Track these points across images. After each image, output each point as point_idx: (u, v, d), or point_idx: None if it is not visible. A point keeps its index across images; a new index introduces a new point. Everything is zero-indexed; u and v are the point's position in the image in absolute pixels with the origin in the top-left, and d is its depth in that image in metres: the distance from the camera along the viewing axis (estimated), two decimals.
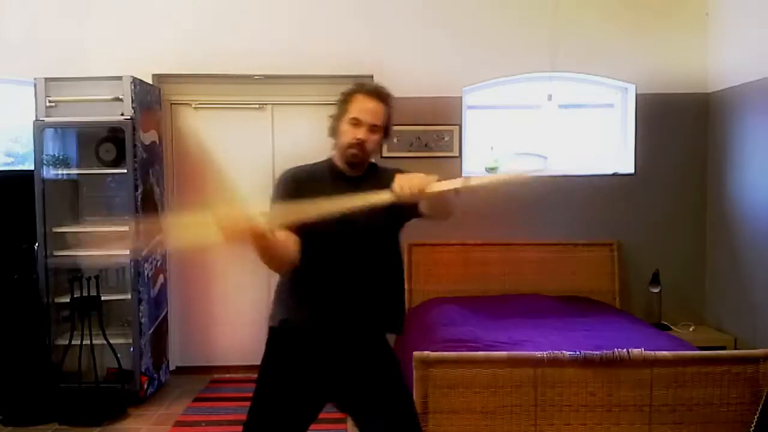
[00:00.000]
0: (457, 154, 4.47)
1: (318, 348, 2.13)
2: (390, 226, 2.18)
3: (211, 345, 4.69)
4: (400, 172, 2.08)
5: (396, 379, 2.19)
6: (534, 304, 4.10)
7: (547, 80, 4.53)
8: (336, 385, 2.15)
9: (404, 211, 2.10)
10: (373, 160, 2.24)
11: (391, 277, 2.20)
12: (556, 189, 4.51)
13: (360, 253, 2.13)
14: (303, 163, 2.27)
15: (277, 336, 2.18)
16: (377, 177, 2.15)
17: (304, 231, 2.03)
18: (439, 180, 1.93)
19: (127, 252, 3.92)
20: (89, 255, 4.10)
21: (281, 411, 2.14)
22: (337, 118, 2.17)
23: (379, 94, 2.16)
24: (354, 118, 2.11)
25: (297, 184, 2.17)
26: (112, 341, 3.90)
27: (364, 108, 2.12)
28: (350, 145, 2.11)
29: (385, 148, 4.43)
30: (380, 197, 1.94)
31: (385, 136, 2.18)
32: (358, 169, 2.17)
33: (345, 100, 2.17)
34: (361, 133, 2.10)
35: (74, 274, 3.96)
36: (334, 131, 2.18)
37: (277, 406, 2.15)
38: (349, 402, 2.20)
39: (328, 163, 2.23)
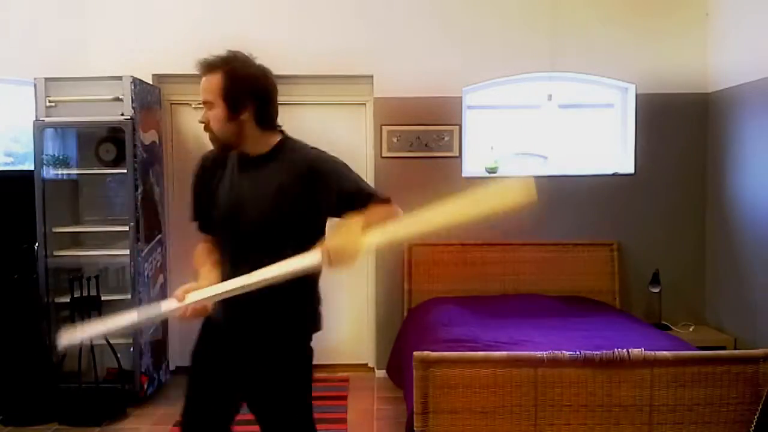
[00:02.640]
0: (457, 154, 4.47)
1: (224, 342, 2.05)
2: (289, 219, 1.96)
3: None
4: (315, 153, 2.02)
5: (284, 386, 2.04)
6: (534, 304, 4.10)
7: (547, 80, 4.53)
8: (238, 381, 2.05)
9: (317, 208, 1.97)
10: (287, 136, 2.07)
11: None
12: (556, 189, 4.51)
13: (250, 247, 1.96)
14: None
15: (202, 325, 2.12)
16: (283, 157, 2.00)
17: (210, 221, 2.05)
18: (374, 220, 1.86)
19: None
20: (89, 255, 4.11)
21: (202, 393, 2.08)
22: None
23: (204, 66, 2.00)
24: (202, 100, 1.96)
25: (204, 169, 2.10)
26: (112, 341, 3.90)
27: (200, 88, 1.98)
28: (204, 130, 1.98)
29: (385, 148, 4.45)
30: (309, 259, 1.79)
31: (230, 108, 1.93)
32: (259, 149, 2.00)
33: None
34: (202, 116, 1.97)
35: (74, 274, 3.96)
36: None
37: (198, 389, 2.09)
38: (250, 402, 2.11)
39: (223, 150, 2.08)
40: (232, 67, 1.98)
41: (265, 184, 1.97)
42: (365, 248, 1.81)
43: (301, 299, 2.04)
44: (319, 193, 1.97)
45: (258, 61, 2.09)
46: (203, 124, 1.98)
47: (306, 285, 2.00)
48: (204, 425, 2.09)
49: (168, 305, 1.95)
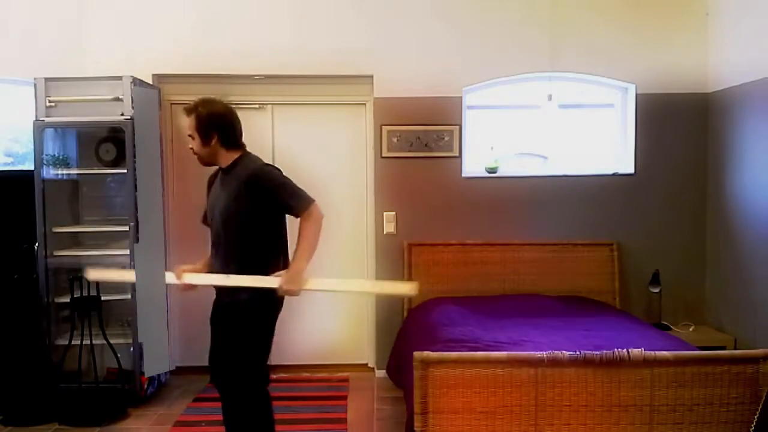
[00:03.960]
0: (457, 154, 4.47)
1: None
2: (237, 219, 2.69)
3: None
4: (258, 166, 2.72)
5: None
6: (534, 304, 4.10)
7: (547, 80, 4.53)
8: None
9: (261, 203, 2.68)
10: (245, 153, 2.81)
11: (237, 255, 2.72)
12: (556, 189, 4.51)
13: (218, 240, 2.77)
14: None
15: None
16: (236, 170, 2.73)
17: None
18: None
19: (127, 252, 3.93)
20: (89, 255, 4.11)
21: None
22: None
23: (185, 110, 2.76)
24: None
25: (211, 179, 2.90)
26: (112, 341, 3.91)
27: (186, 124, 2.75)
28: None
29: (385, 148, 4.45)
30: (269, 282, 2.60)
31: (202, 138, 2.72)
32: (225, 163, 2.77)
33: None
34: (190, 143, 2.77)
35: (74, 274, 3.96)
36: None
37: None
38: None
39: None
40: (199, 110, 2.71)
41: (224, 190, 2.73)
42: (307, 287, 2.61)
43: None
44: (260, 198, 2.66)
45: (223, 99, 2.84)
46: (191, 149, 2.76)
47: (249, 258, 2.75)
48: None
49: (169, 277, 2.84)
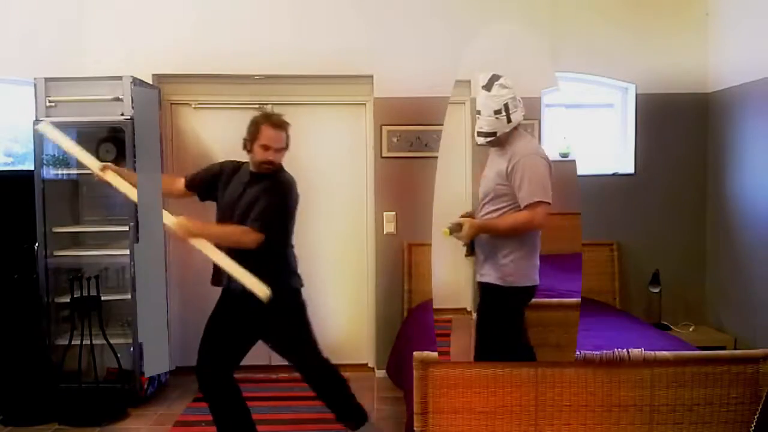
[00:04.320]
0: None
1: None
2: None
3: None
4: (279, 183, 2.95)
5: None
6: None
7: None
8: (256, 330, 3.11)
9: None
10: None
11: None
12: None
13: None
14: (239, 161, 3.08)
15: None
16: (265, 180, 2.94)
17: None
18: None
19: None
20: (89, 255, 4.11)
21: (216, 340, 3.11)
22: (250, 140, 2.93)
23: (282, 124, 2.92)
24: (264, 145, 2.89)
25: (223, 169, 3.08)
26: (112, 341, 3.91)
27: (272, 137, 2.89)
28: (263, 162, 2.92)
29: (385, 148, 4.45)
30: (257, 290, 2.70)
31: (286, 149, 2.97)
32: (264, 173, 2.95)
33: (257, 128, 2.91)
34: (270, 156, 2.90)
35: (74, 274, 3.96)
36: (248, 147, 2.96)
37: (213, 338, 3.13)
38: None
39: (247, 165, 3.04)
40: (288, 126, 2.97)
41: (254, 192, 2.96)
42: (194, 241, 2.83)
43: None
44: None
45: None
46: (269, 161, 2.90)
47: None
48: (216, 364, 3.04)
49: (168, 219, 2.83)
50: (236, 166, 3.08)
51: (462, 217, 2.68)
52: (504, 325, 2.75)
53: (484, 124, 2.65)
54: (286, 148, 2.96)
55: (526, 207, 2.56)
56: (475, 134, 2.72)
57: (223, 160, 3.19)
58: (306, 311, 3.10)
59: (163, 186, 2.89)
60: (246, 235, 2.83)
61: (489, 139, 2.66)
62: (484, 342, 2.76)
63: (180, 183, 3.14)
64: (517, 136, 2.67)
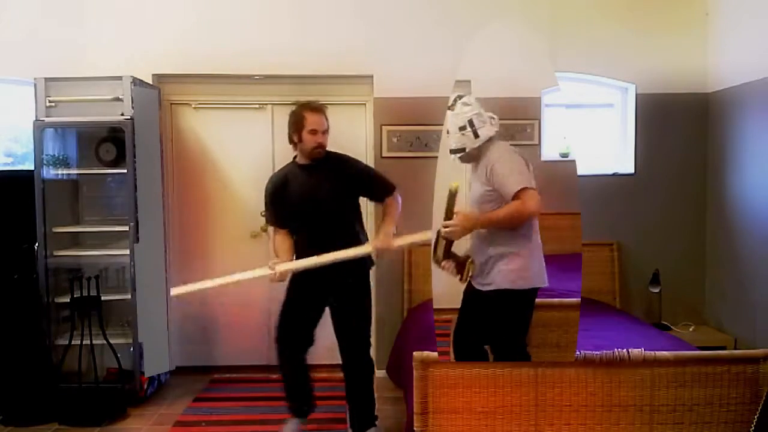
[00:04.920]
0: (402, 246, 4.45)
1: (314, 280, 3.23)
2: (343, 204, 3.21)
3: (211, 345, 4.70)
4: (341, 158, 3.21)
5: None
6: None
7: None
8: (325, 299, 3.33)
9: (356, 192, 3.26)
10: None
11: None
12: None
13: (319, 222, 3.18)
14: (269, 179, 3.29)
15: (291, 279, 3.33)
16: (324, 165, 3.16)
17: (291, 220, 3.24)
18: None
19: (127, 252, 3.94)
20: (89, 255, 4.11)
21: (296, 310, 3.35)
22: (297, 131, 3.12)
23: (321, 108, 3.16)
24: (312, 130, 3.09)
25: (275, 188, 3.22)
26: (112, 341, 3.91)
27: (316, 121, 3.10)
28: (314, 148, 3.11)
29: (385, 147, 4.46)
30: (362, 250, 3.12)
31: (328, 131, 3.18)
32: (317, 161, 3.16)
33: (300, 117, 3.10)
34: (319, 138, 3.10)
35: (74, 274, 3.97)
36: (296, 140, 3.14)
37: (293, 309, 3.37)
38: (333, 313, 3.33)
39: (294, 163, 3.23)
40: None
41: (324, 181, 3.19)
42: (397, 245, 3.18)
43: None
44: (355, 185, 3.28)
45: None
46: (320, 143, 3.12)
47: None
48: (296, 331, 3.32)
49: (262, 271, 3.14)
50: (280, 177, 3.25)
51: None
52: (517, 329, 2.77)
53: (452, 140, 2.79)
54: (328, 130, 3.17)
55: (514, 198, 2.58)
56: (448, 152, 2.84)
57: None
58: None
59: (286, 256, 3.23)
60: (397, 203, 3.29)
61: (459, 154, 2.77)
62: (499, 348, 2.79)
63: (287, 240, 3.29)
64: (490, 147, 2.73)
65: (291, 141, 3.19)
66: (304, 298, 3.27)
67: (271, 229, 3.41)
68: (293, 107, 3.21)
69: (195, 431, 3.63)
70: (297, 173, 3.20)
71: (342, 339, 3.28)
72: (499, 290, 2.70)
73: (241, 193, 4.64)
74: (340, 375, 3.37)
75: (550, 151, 4.58)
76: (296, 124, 3.13)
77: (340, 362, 3.36)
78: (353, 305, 3.26)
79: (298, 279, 3.26)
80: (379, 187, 3.29)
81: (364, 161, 4.50)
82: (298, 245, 3.24)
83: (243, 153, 4.61)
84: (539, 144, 4.52)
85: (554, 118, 4.69)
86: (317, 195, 3.14)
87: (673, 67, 4.49)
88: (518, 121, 4.48)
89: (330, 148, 3.17)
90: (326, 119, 3.16)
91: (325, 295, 3.27)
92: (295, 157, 3.26)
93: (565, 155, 4.55)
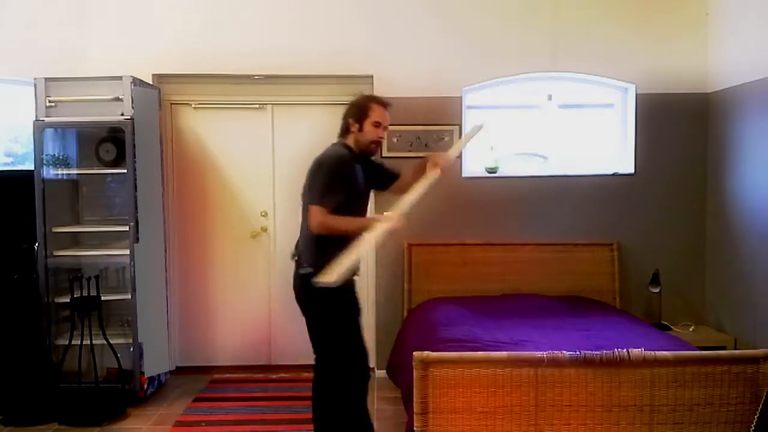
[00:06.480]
0: (457, 154, 4.47)
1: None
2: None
3: (211, 345, 4.70)
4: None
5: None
6: (534, 304, 4.09)
7: (547, 80, 4.53)
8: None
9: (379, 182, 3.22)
10: None
11: None
12: (556, 189, 4.51)
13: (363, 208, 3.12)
14: (335, 154, 3.00)
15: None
16: (365, 157, 3.11)
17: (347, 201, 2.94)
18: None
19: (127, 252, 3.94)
20: (89, 255, 4.11)
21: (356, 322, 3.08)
22: (359, 120, 3.01)
23: (388, 104, 3.09)
24: (377, 122, 3.01)
25: (350, 166, 2.99)
26: (112, 341, 3.91)
27: (382, 115, 3.04)
28: (374, 141, 3.04)
29: (385, 147, 4.46)
30: (431, 177, 3.01)
31: None
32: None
33: (366, 107, 3.03)
34: (381, 133, 3.05)
35: (74, 274, 3.97)
36: (355, 129, 3.02)
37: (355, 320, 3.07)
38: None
39: (350, 150, 3.04)
40: None
41: (367, 171, 3.11)
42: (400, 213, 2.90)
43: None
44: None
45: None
46: (380, 139, 3.07)
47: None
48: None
49: (383, 223, 2.82)
50: (350, 157, 3.01)
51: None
52: None
53: None
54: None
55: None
56: None
57: (333, 160, 2.99)
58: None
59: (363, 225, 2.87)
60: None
61: None
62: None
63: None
64: None
65: (345, 129, 3.06)
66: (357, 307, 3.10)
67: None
68: (355, 98, 3.14)
69: (195, 431, 3.63)
70: (355, 158, 3.05)
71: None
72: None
73: (241, 193, 4.64)
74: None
75: (473, 166, 4.55)
76: (360, 113, 3.02)
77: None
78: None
79: (351, 287, 3.03)
80: (391, 169, 3.30)
81: None
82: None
83: (243, 153, 4.61)
84: (460, 156, 4.44)
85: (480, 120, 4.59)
86: (366, 184, 3.11)
87: (673, 67, 4.49)
88: (433, 127, 4.47)
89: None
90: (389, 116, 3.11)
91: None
92: (344, 143, 3.07)
93: (492, 170, 4.53)
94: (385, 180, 3.26)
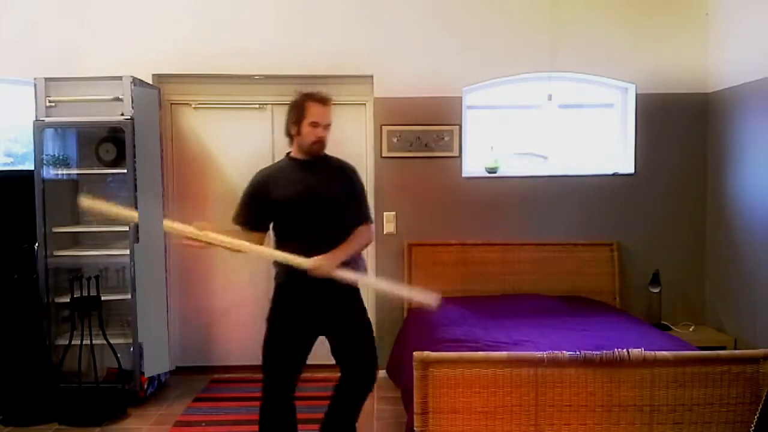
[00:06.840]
0: (457, 154, 4.47)
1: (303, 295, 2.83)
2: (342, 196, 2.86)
3: (211, 345, 4.70)
4: (345, 165, 2.91)
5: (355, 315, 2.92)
6: (534, 304, 4.09)
7: (547, 80, 4.53)
8: (319, 322, 2.87)
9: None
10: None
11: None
12: (556, 189, 4.51)
13: (311, 220, 2.81)
14: (258, 170, 2.95)
15: (279, 289, 2.91)
16: (325, 163, 2.88)
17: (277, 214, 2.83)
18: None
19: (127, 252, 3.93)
20: (89, 255, 4.11)
21: (287, 344, 2.83)
22: (297, 122, 2.80)
23: (328, 99, 2.85)
24: (313, 122, 2.78)
25: (263, 182, 2.86)
26: (112, 341, 3.91)
27: (319, 113, 2.80)
28: (314, 143, 2.80)
29: (385, 148, 4.46)
30: (299, 262, 2.68)
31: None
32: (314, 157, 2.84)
33: (302, 107, 2.81)
34: (320, 132, 2.80)
35: (74, 274, 3.97)
36: (295, 132, 2.83)
37: (283, 340, 2.83)
38: (329, 332, 2.90)
39: (288, 158, 2.90)
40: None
41: (320, 174, 2.89)
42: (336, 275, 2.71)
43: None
44: (349, 187, 2.97)
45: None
46: (322, 138, 2.82)
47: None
48: (291, 365, 2.86)
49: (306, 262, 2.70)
50: (272, 171, 2.90)
51: None
52: None
53: None
54: (330, 125, 2.86)
55: None
56: None
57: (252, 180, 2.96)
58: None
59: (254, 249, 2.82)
60: (368, 234, 2.90)
61: None
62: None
63: (255, 236, 2.89)
64: None
65: (288, 133, 2.86)
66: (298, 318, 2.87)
67: (270, 230, 2.98)
68: (293, 97, 2.92)
69: (195, 431, 3.63)
70: (293, 167, 2.85)
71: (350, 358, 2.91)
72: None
73: (241, 194, 4.63)
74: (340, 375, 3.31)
75: (473, 166, 4.56)
76: (296, 115, 2.80)
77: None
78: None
79: (289, 292, 2.87)
80: (362, 209, 2.91)
81: (364, 161, 4.58)
82: (286, 249, 2.77)
83: (243, 153, 4.61)
84: (460, 156, 4.49)
85: (479, 122, 4.65)
86: (317, 192, 2.78)
87: (673, 67, 4.49)
88: (432, 127, 4.47)
89: (330, 147, 2.95)
90: (330, 113, 2.85)
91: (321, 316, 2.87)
92: (288, 152, 2.94)
93: (492, 170, 4.53)
94: (350, 215, 2.86)
